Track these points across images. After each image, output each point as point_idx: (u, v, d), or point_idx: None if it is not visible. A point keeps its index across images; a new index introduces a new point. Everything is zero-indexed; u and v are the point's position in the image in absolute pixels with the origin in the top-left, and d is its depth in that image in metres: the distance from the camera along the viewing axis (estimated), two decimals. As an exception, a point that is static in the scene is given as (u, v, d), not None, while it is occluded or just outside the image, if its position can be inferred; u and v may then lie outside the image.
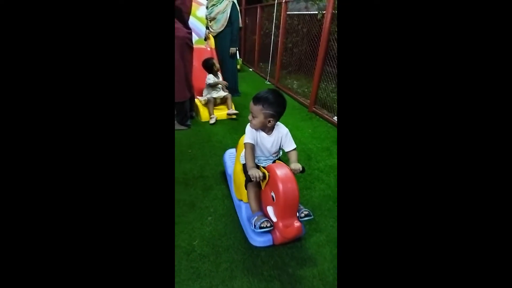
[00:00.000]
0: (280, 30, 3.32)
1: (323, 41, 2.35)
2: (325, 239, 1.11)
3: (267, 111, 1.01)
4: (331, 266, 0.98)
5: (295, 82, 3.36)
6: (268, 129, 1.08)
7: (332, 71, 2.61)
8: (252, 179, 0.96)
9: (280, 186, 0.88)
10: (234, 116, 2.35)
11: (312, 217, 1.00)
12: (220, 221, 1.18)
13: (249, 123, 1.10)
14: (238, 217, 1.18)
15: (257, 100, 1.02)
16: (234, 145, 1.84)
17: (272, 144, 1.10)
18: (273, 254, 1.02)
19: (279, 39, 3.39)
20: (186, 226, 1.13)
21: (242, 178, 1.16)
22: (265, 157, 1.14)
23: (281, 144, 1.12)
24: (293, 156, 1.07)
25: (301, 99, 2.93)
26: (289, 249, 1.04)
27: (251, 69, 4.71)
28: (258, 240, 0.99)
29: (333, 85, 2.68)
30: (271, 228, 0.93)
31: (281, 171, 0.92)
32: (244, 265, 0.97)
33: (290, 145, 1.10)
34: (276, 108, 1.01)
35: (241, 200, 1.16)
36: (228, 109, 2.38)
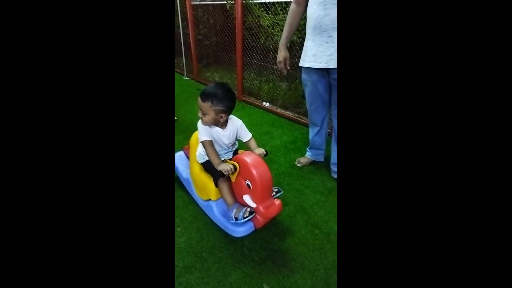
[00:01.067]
0: (189, 22, 3.17)
1: (238, 32, 2.42)
2: (293, 209, 1.23)
3: (218, 107, 0.98)
4: (307, 230, 1.11)
5: (215, 74, 3.33)
6: (222, 124, 1.06)
7: (250, 61, 2.76)
8: (225, 174, 0.94)
9: (254, 172, 0.90)
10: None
11: (282, 192, 1.08)
12: (191, 228, 1.10)
13: (200, 120, 1.05)
14: (209, 218, 1.14)
15: (205, 96, 0.98)
16: (175, 148, 1.71)
17: (228, 138, 1.10)
18: (256, 238, 1.05)
19: (189, 31, 3.24)
20: (156, 246, 1.01)
21: (204, 178, 1.12)
22: (224, 150, 1.13)
23: (237, 136, 1.13)
24: (253, 143, 1.11)
25: (227, 91, 2.95)
26: (267, 229, 1.10)
27: (162, 66, 4.33)
28: (240, 230, 1.00)
29: (253, 74, 2.86)
30: (254, 214, 0.96)
31: (250, 158, 0.95)
32: (233, 259, 0.96)
33: (246, 135, 1.12)
34: (226, 103, 0.99)
35: (209, 200, 1.12)
36: None
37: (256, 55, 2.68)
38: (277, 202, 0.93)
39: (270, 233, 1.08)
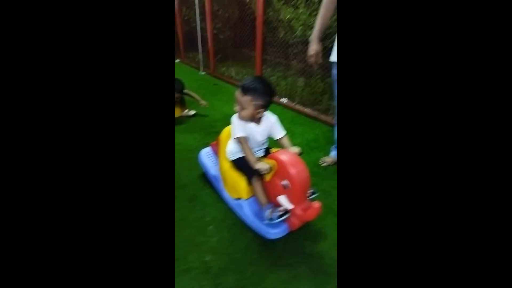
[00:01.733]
0: (207, 16, 3.12)
1: (258, 26, 2.36)
2: (323, 211, 1.20)
3: (258, 102, 0.96)
4: (340, 233, 1.08)
5: (232, 69, 3.29)
6: (257, 119, 1.03)
7: (266, 57, 2.71)
8: (262, 173, 0.91)
9: (293, 171, 0.87)
10: (191, 115, 2.16)
11: (317, 193, 1.05)
12: (223, 227, 1.09)
13: (235, 115, 1.02)
14: (239, 217, 1.12)
15: (245, 90, 0.95)
16: (198, 144, 1.69)
17: (262, 134, 1.07)
18: (288, 241, 1.03)
19: (206, 25, 3.19)
20: (189, 244, 1.00)
21: (235, 176, 1.09)
22: (257, 148, 1.10)
23: (269, 133, 1.10)
24: (287, 141, 1.08)
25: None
26: (299, 231, 1.07)
27: (177, 60, 4.30)
28: (274, 232, 0.97)
29: (269, 69, 2.81)
30: (288, 214, 0.93)
31: (287, 156, 0.91)
32: (267, 262, 0.94)
33: (280, 132, 1.09)
34: (266, 97, 0.97)
35: (240, 198, 1.10)
36: (182, 110, 2.14)
37: (273, 51, 2.62)
38: (317, 204, 0.90)
39: (302, 236, 1.06)
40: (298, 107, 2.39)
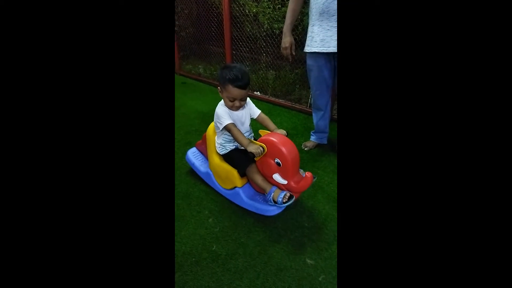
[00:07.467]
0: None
1: (226, 21, 2.37)
2: (312, 190, 1.29)
3: (248, 85, 1.01)
4: (330, 207, 1.18)
5: (199, 66, 3.23)
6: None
7: (233, 53, 2.74)
8: (257, 155, 0.96)
9: (284, 150, 0.94)
10: None
11: (316, 177, 1.09)
12: (222, 217, 1.12)
13: (220, 106, 1.05)
14: (236, 206, 1.16)
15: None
16: (179, 144, 1.67)
17: (246, 117, 1.12)
18: (287, 219, 1.10)
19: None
20: (194, 238, 1.01)
21: (227, 167, 1.13)
22: (246, 133, 1.14)
23: (250, 113, 1.15)
24: (269, 121, 1.15)
25: (215, 82, 2.90)
26: (295, 208, 1.15)
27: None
28: (273, 209, 1.02)
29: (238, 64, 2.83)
30: (293, 199, 0.98)
31: (276, 137, 0.98)
32: (272, 240, 1.00)
33: (256, 110, 1.15)
34: (248, 81, 1.01)
35: (234, 188, 1.13)
36: None
37: (240, 45, 2.66)
38: (308, 174, 0.96)
39: (298, 213, 1.14)
40: (272, 98, 2.47)
